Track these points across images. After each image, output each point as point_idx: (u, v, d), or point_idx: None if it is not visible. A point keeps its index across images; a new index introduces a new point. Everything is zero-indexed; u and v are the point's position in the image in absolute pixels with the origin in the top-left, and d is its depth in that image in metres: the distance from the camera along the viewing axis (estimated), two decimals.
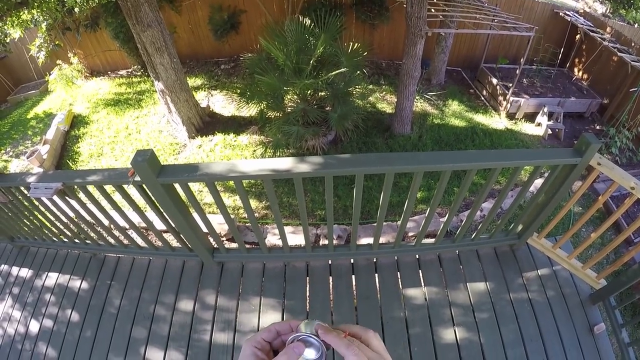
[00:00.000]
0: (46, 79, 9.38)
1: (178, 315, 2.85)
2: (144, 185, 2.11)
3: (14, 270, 3.49)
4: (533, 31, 7.41)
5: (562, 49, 9.52)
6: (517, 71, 7.94)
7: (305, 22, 5.93)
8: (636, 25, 9.47)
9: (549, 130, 7.95)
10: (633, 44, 8.11)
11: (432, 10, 7.51)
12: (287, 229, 5.32)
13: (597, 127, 8.51)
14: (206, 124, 7.80)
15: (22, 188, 2.57)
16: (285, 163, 2.03)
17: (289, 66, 5.76)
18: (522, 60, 7.76)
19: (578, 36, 9.24)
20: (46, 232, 3.19)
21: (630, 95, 7.54)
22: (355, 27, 9.55)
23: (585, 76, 9.38)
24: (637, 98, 7.36)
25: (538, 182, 5.61)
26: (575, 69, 9.70)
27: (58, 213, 2.76)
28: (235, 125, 7.73)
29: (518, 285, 2.94)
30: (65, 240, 3.24)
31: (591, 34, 8.47)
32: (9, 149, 7.88)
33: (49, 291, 3.23)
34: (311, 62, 5.69)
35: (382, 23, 9.17)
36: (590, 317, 2.80)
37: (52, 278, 3.32)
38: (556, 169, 2.30)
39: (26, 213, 2.95)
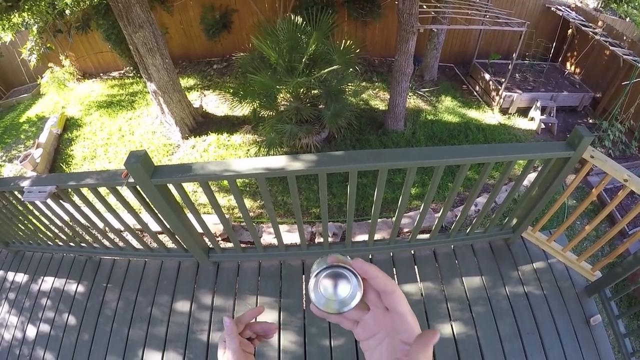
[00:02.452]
0: (38, 82, 9.34)
1: (175, 316, 2.85)
2: (137, 187, 2.10)
3: (10, 275, 3.47)
4: (525, 26, 7.43)
5: (554, 44, 9.57)
6: (510, 66, 7.96)
7: (297, 21, 5.92)
8: (627, 19, 9.52)
9: (542, 124, 7.98)
10: (625, 38, 8.15)
11: (424, 6, 7.52)
12: (283, 228, 5.32)
13: (590, 121, 8.55)
14: (199, 124, 7.78)
15: (15, 192, 2.56)
16: (278, 161, 2.03)
17: (282, 65, 5.75)
18: (514, 55, 7.78)
19: (570, 31, 9.28)
20: (41, 236, 3.17)
21: (622, 88, 7.58)
22: (347, 25, 9.54)
23: (577, 70, 9.42)
24: (629, 91, 7.40)
25: (531, 175, 5.65)
26: (568, 64, 9.73)
27: (52, 216, 2.75)
28: (228, 125, 7.71)
29: (514, 278, 2.96)
30: (61, 244, 3.23)
31: (583, 28, 8.50)
32: (2, 154, 7.83)
33: (45, 295, 3.22)
34: (303, 60, 5.68)
35: (374, 20, 9.16)
36: (586, 309, 2.83)
37: (48, 282, 3.30)
38: (549, 163, 2.31)
39: (20, 217, 2.94)
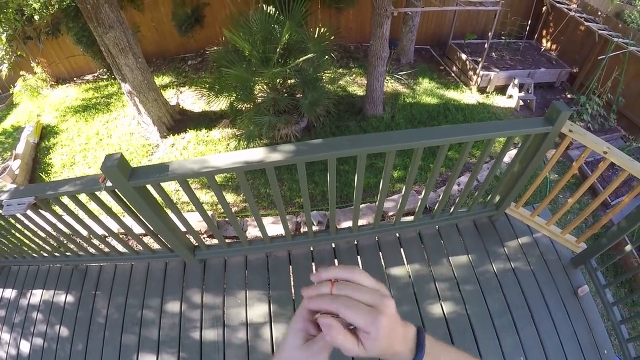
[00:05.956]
0: (10, 92, 9.11)
1: (166, 318, 2.83)
2: (116, 190, 2.07)
3: None
4: (499, 5, 7.45)
5: (530, 21, 9.62)
6: (486, 45, 7.99)
7: (270, 11, 5.86)
8: None
9: (521, 101, 8.05)
10: (599, 13, 8.25)
11: None
12: (268, 220, 5.31)
13: (568, 96, 8.67)
14: (177, 122, 7.68)
15: None
16: (256, 154, 2.01)
17: (256, 56, 5.68)
18: (490, 34, 7.82)
19: (544, 8, 9.34)
20: (25, 249, 3.11)
21: (598, 63, 7.69)
22: (321, 12, 9.46)
23: (553, 47, 9.52)
24: (605, 65, 7.50)
25: (512, 152, 5.70)
26: (544, 40, 9.82)
27: (35, 228, 2.70)
28: (206, 120, 7.63)
29: (500, 255, 2.99)
30: (46, 255, 3.17)
31: (557, 5, 8.56)
32: None
33: (35, 309, 3.17)
34: (278, 50, 5.62)
35: (347, 6, 9.12)
36: (573, 280, 2.88)
37: (36, 295, 3.26)
38: (528, 139, 2.33)
39: (2, 232, 2.87)
